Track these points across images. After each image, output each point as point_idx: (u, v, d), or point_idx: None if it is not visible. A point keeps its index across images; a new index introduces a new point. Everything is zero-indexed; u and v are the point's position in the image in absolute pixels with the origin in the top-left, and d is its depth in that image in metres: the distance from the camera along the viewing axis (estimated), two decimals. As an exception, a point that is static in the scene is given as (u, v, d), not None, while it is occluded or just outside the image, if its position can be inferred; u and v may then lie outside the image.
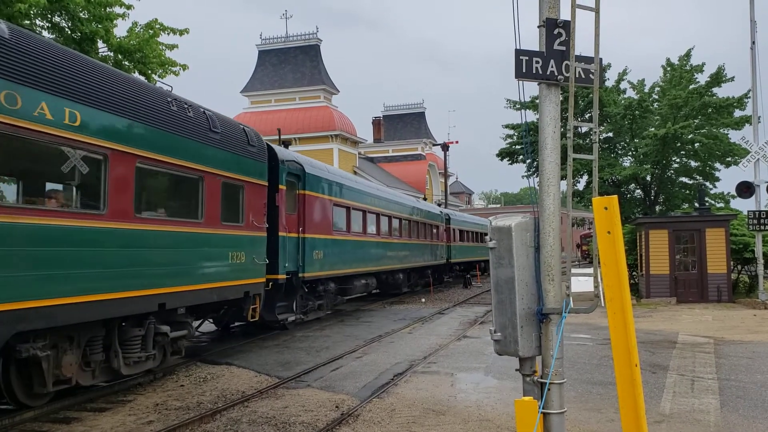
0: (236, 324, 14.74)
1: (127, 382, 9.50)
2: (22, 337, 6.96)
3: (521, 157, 31.81)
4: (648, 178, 30.57)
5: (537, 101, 5.08)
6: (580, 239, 66.51)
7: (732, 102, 27.79)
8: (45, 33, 13.88)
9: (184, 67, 16.13)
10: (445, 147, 52.39)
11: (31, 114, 6.86)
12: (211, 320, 13.15)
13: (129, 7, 14.66)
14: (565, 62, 4.77)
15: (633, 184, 31.95)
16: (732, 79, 28.17)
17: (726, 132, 28.94)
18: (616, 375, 4.29)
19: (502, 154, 32.83)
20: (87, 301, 7.64)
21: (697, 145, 28.72)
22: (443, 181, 55.78)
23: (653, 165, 29.54)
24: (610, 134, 31.38)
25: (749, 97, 26.05)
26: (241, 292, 11.64)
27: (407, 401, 8.68)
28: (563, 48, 4.77)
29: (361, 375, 10.46)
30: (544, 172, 4.78)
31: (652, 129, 28.82)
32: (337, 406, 8.45)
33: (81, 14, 13.93)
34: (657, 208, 32.04)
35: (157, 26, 15.18)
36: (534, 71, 4.80)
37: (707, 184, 30.35)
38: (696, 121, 28.66)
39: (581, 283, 20.48)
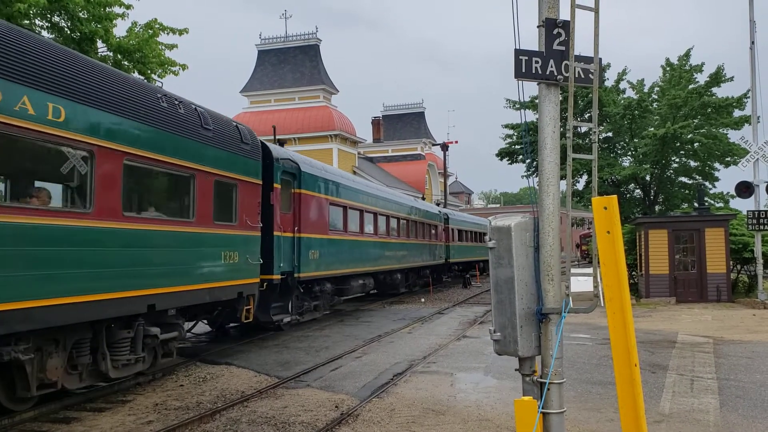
0: (231, 325, 14.57)
1: (127, 382, 9.49)
2: (3, 340, 6.71)
3: (521, 156, 31.82)
4: (647, 177, 30.58)
5: (536, 101, 5.09)
6: (579, 239, 66.55)
7: (731, 102, 27.81)
8: (44, 33, 13.88)
9: (184, 67, 16.13)
10: (444, 147, 52.44)
11: (11, 108, 6.60)
12: (205, 321, 12.97)
13: (128, 6, 14.65)
14: (565, 62, 4.77)
15: (632, 184, 31.97)
16: (731, 79, 28.20)
17: (725, 132, 28.97)
18: (615, 375, 4.30)
19: (502, 154, 32.84)
20: (72, 303, 7.39)
21: (696, 145, 28.74)
22: (443, 180, 55.79)
23: (653, 165, 29.56)
24: (610, 134, 31.40)
25: (748, 97, 26.06)
26: (234, 292, 11.43)
27: (407, 401, 8.68)
28: (563, 48, 4.77)
29: (361, 375, 10.46)
30: (543, 172, 4.78)
31: (652, 129, 28.84)
32: (336, 406, 8.45)
33: (80, 14, 13.93)
34: (656, 207, 32.06)
35: (157, 26, 15.17)
36: (533, 71, 4.80)
37: (707, 184, 30.38)
38: (695, 121, 28.68)
39: (581, 282, 20.49)
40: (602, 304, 5.10)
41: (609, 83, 30.65)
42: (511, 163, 32.84)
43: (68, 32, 14.05)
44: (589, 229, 57.86)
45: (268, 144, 13.98)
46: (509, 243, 4.76)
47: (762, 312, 18.82)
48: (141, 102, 8.89)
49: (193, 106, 10.53)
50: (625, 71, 31.45)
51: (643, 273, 22.52)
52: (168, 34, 15.37)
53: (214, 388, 9.60)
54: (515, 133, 31.91)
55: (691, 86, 29.10)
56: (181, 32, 15.51)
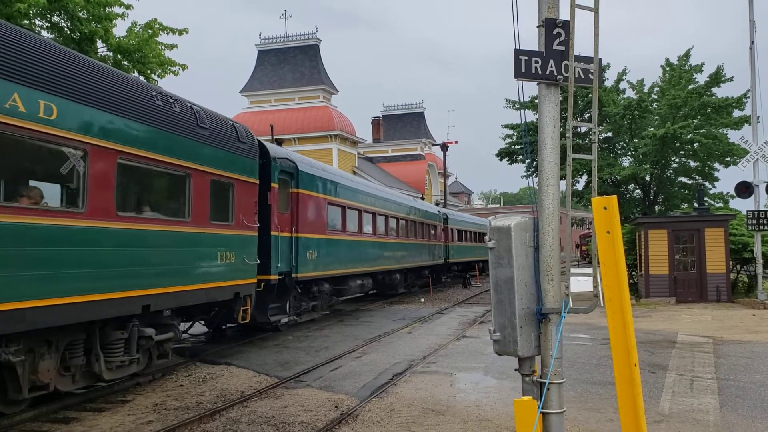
0: (228, 326, 14.46)
1: (127, 382, 9.49)
2: None
3: (520, 157, 31.82)
4: (647, 178, 30.59)
5: (536, 101, 5.09)
6: (579, 239, 66.59)
7: (731, 102, 27.81)
8: (44, 33, 13.89)
9: (184, 66, 16.13)
10: (444, 147, 52.44)
11: (1, 106, 6.49)
12: (202, 322, 12.88)
13: (128, 6, 14.65)
14: (565, 62, 4.78)
15: (632, 184, 31.98)
16: (731, 79, 28.20)
17: (725, 132, 28.97)
18: (615, 375, 4.30)
19: (502, 154, 32.84)
20: (64, 304, 7.25)
21: (696, 145, 28.75)
22: (442, 181, 55.81)
23: (652, 165, 29.56)
24: (610, 134, 31.40)
25: (748, 97, 26.07)
26: (230, 293, 11.29)
27: (406, 401, 8.68)
28: (562, 48, 4.77)
29: (361, 375, 10.46)
30: (543, 172, 4.78)
31: (652, 129, 28.84)
32: (336, 406, 8.45)
33: (80, 14, 13.92)
34: (656, 208, 32.06)
35: (157, 26, 15.16)
36: (533, 71, 4.80)
37: (706, 184, 30.38)
38: (695, 121, 28.69)
39: (580, 283, 20.51)
40: (602, 304, 5.11)
41: (609, 83, 30.64)
42: (510, 163, 32.86)
43: (68, 32, 14.05)
44: (588, 229, 57.87)
45: (265, 143, 13.86)
46: (509, 243, 4.76)
47: (762, 312, 18.82)
48: (135, 100, 8.77)
49: (189, 104, 10.39)
50: (625, 71, 31.48)
51: (643, 273, 22.52)
52: (168, 34, 15.36)
53: (213, 388, 9.60)
54: (515, 133, 31.91)
55: (690, 86, 29.10)
56: (180, 32, 15.51)
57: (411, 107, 71.18)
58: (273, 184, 13.58)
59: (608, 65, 34.40)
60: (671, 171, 31.52)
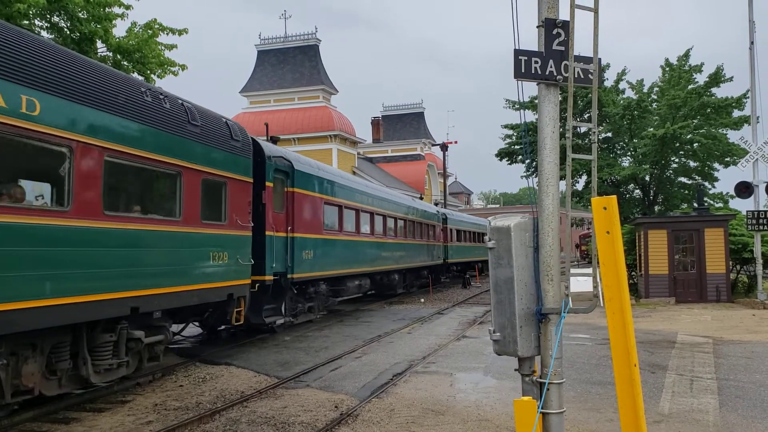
0: (223, 327, 14.26)
1: (127, 383, 9.49)
2: None
3: (520, 157, 31.83)
4: (647, 178, 30.60)
5: (536, 101, 5.09)
6: (579, 239, 66.65)
7: (731, 102, 27.82)
8: (44, 33, 13.90)
9: (183, 67, 16.12)
10: (444, 147, 52.43)
11: None
12: (197, 324, 12.71)
13: (128, 7, 14.65)
14: (564, 62, 4.78)
15: (632, 184, 31.98)
16: (731, 79, 28.21)
17: (725, 132, 28.98)
18: (615, 375, 4.30)
19: (501, 154, 32.85)
20: (48, 306, 7.01)
21: (695, 145, 28.75)
22: (442, 181, 55.81)
23: (652, 165, 29.57)
24: (609, 134, 31.41)
25: (748, 97, 26.08)
26: (224, 294, 11.09)
27: (406, 401, 8.68)
28: (562, 48, 4.77)
29: (361, 375, 10.46)
30: (543, 172, 4.78)
31: (651, 129, 28.84)
32: (336, 406, 8.45)
33: (80, 14, 13.93)
34: (656, 208, 32.07)
35: (156, 26, 15.17)
36: (533, 71, 4.80)
37: (706, 184, 30.40)
38: (695, 121, 28.69)
39: (580, 283, 20.51)
40: (602, 304, 5.11)
41: (608, 83, 30.64)
42: (510, 164, 32.87)
43: (68, 32, 14.05)
44: (588, 229, 57.90)
45: (259, 141, 13.66)
46: (509, 243, 4.77)
47: (761, 312, 18.83)
48: (124, 96, 8.54)
49: (180, 101, 10.18)
50: (625, 71, 31.48)
51: (643, 273, 22.53)
52: (167, 34, 15.36)
53: (213, 388, 9.60)
54: (515, 134, 31.92)
55: (690, 86, 29.10)
56: (180, 32, 15.50)
57: (411, 107, 71.17)
58: (268, 183, 13.39)
59: (608, 65, 34.46)
60: (671, 171, 31.53)
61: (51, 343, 7.57)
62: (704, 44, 53.04)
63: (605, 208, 4.35)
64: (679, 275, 21.80)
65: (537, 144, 4.85)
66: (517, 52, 4.81)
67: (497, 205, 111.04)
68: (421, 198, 41.65)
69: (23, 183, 7.34)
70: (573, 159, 4.96)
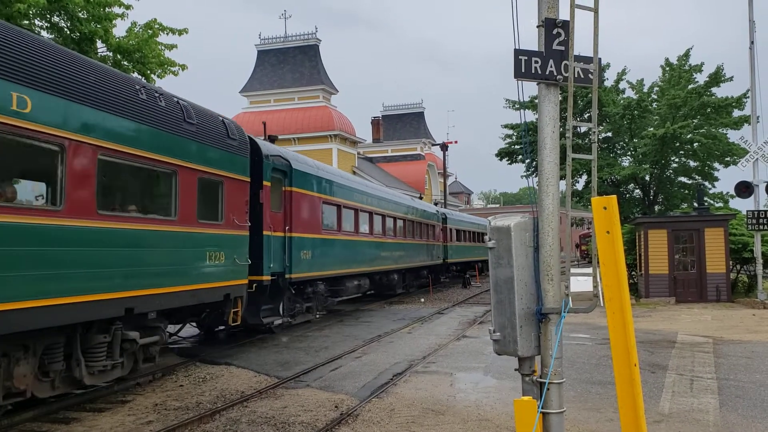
0: (220, 328, 14.17)
1: (127, 383, 9.49)
2: None
3: (520, 157, 31.83)
4: (647, 177, 30.60)
5: (536, 101, 5.09)
6: (579, 239, 66.63)
7: (731, 102, 27.83)
8: (44, 33, 13.90)
9: (183, 67, 16.12)
10: (444, 147, 52.44)
11: None
12: (194, 324, 12.64)
13: (128, 7, 14.65)
14: (564, 62, 4.78)
15: (632, 184, 31.99)
16: (731, 79, 28.23)
17: (725, 132, 29.00)
18: (615, 375, 4.30)
19: (502, 154, 32.86)
20: (39, 306, 6.89)
21: (696, 144, 28.76)
22: (442, 181, 55.82)
23: (652, 165, 29.58)
24: (609, 134, 31.42)
25: (748, 97, 26.09)
26: (220, 294, 10.98)
27: (406, 401, 8.68)
28: (562, 48, 4.77)
29: (361, 375, 10.46)
30: (543, 172, 4.78)
31: (651, 129, 28.85)
32: (336, 406, 8.45)
33: (80, 14, 13.92)
34: (656, 207, 32.08)
35: (156, 26, 15.16)
36: (533, 71, 4.80)
37: (706, 183, 30.41)
38: (695, 121, 28.71)
39: (580, 282, 20.50)
40: (602, 304, 5.11)
41: (608, 83, 30.65)
42: (510, 163, 32.88)
43: (68, 32, 14.05)
44: (588, 229, 57.90)
45: (257, 140, 13.55)
46: (509, 243, 4.76)
47: (761, 312, 18.83)
48: (118, 94, 8.42)
49: (175, 99, 10.04)
50: (625, 71, 31.50)
51: (643, 273, 22.53)
52: (167, 34, 15.35)
53: (213, 388, 9.60)
54: (515, 133, 31.93)
55: (690, 86, 29.13)
56: (180, 32, 15.50)
57: (411, 107, 71.14)
58: (265, 183, 13.29)
59: (608, 65, 34.48)
60: (671, 171, 31.54)
61: (44, 344, 7.47)
62: (704, 44, 53.07)
63: (605, 208, 4.35)
64: (679, 275, 21.81)
65: (537, 144, 4.85)
66: (517, 52, 4.81)
67: (497, 205, 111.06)
68: (421, 198, 41.64)
69: (15, 182, 7.26)
70: (573, 159, 4.96)
